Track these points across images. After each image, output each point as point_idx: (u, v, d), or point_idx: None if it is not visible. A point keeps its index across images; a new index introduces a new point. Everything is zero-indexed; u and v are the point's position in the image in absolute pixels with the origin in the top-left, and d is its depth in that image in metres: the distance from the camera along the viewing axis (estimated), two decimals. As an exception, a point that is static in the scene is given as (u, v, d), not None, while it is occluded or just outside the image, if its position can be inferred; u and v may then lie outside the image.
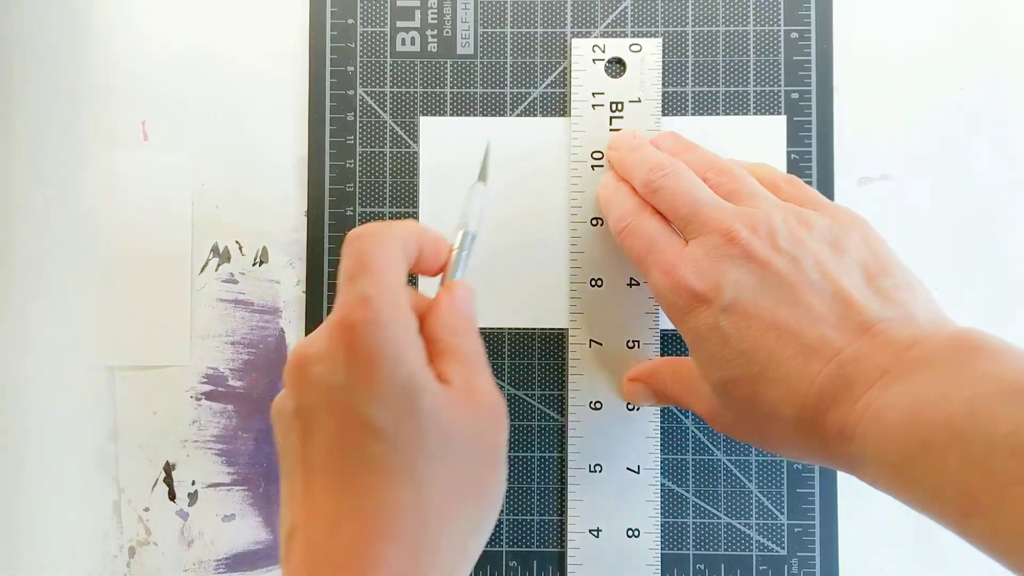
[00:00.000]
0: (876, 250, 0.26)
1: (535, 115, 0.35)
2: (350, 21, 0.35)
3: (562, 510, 0.34)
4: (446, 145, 0.35)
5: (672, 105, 0.34)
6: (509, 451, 0.34)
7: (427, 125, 0.35)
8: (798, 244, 0.26)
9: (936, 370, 0.21)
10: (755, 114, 0.34)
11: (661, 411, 0.34)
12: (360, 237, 0.24)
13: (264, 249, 0.35)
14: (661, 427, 0.33)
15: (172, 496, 0.35)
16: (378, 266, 0.23)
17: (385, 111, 0.35)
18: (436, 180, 0.35)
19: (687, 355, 0.31)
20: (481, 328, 0.34)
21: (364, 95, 0.35)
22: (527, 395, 0.34)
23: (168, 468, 0.35)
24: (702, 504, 0.34)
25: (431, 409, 0.22)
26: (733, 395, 0.26)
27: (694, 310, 0.26)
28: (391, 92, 0.35)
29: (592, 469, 0.33)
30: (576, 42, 0.34)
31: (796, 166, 0.34)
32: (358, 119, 0.35)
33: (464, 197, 0.29)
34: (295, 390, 0.23)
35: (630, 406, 0.33)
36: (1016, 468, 0.19)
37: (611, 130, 0.34)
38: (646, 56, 0.34)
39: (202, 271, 0.35)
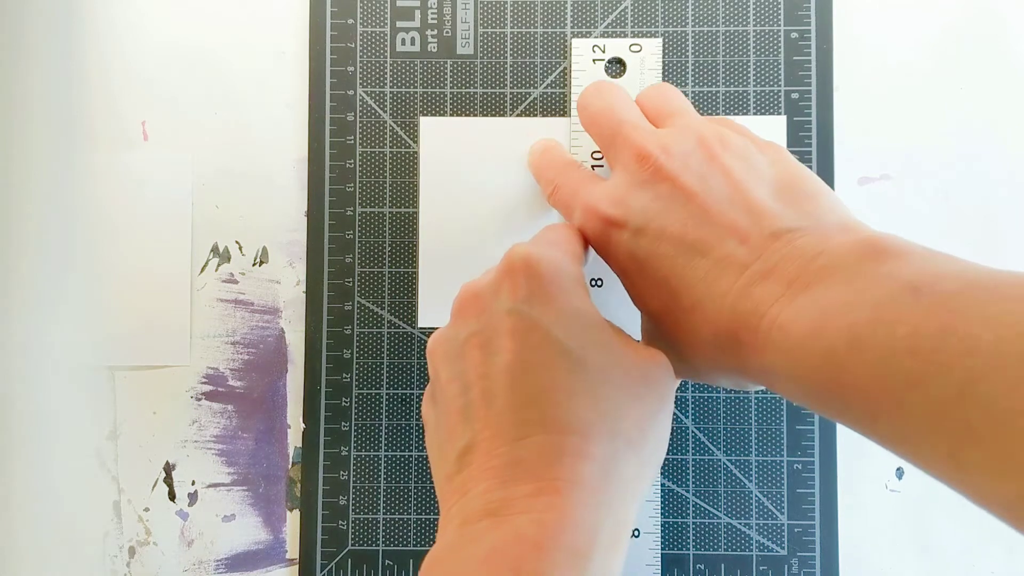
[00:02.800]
0: (789, 165, 0.25)
1: (535, 115, 0.35)
2: (350, 21, 0.35)
3: (562, 510, 0.34)
4: (446, 145, 0.35)
5: (672, 105, 0.34)
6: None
7: (427, 125, 0.35)
8: (710, 160, 0.25)
9: (841, 277, 0.21)
10: (755, 114, 0.34)
11: (661, 411, 0.34)
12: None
13: (264, 249, 0.35)
14: (661, 427, 0.33)
15: (172, 496, 0.35)
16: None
17: (385, 111, 0.35)
18: (436, 180, 0.35)
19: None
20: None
21: (364, 95, 0.35)
22: (527, 395, 0.34)
23: (168, 468, 0.35)
24: (702, 504, 0.34)
25: (609, 343, 0.23)
26: (662, 329, 0.26)
27: (612, 241, 0.26)
28: (391, 92, 0.35)
29: (592, 469, 0.33)
30: (576, 42, 0.34)
31: (796, 166, 0.34)
32: (358, 119, 0.35)
33: None
34: (471, 317, 0.24)
35: None
36: (916, 369, 0.18)
37: (611, 130, 0.34)
38: (646, 56, 0.34)
39: (202, 271, 0.35)
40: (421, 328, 0.34)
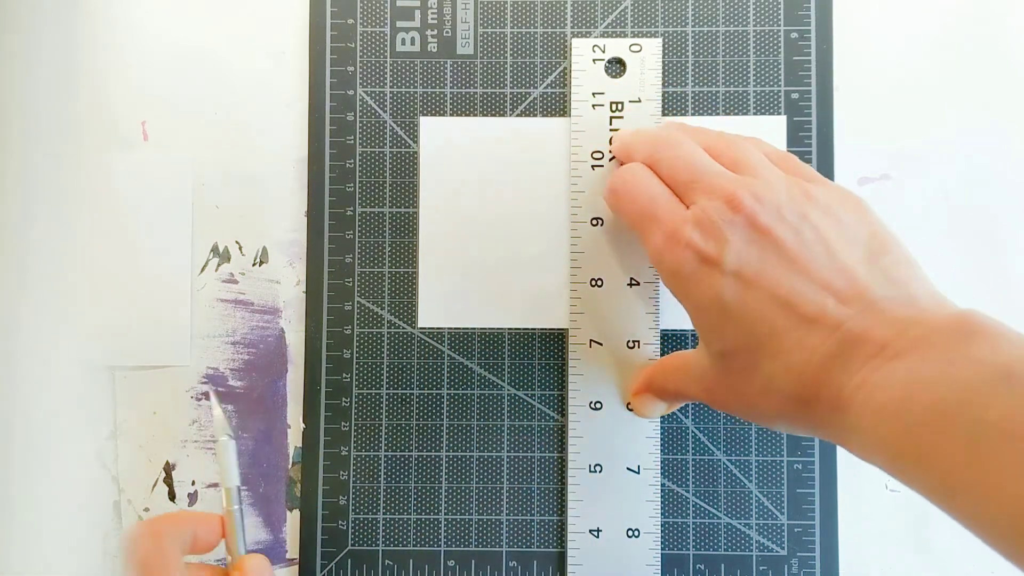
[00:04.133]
0: (875, 227, 0.26)
1: (535, 115, 0.35)
2: (350, 21, 0.35)
3: (562, 510, 0.34)
4: (446, 145, 0.35)
5: (672, 105, 0.34)
6: (508, 451, 0.34)
7: (427, 125, 0.35)
8: (802, 217, 0.25)
9: (934, 350, 0.21)
10: (755, 114, 0.34)
11: (661, 411, 0.34)
12: (136, 542, 0.26)
13: (264, 249, 0.35)
14: (661, 427, 0.33)
15: (172, 496, 0.35)
16: (159, 571, 0.25)
17: (385, 111, 0.35)
18: (436, 180, 0.35)
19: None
20: (481, 328, 0.34)
21: (364, 95, 0.35)
22: (527, 395, 0.34)
23: (168, 468, 0.35)
24: (702, 504, 0.34)
25: None
26: (732, 366, 0.26)
27: (696, 275, 0.26)
28: (391, 92, 0.35)
29: (592, 469, 0.33)
30: (576, 42, 0.34)
31: (796, 166, 0.34)
32: (358, 119, 0.35)
33: (216, 457, 0.30)
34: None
35: (630, 406, 0.33)
36: (1005, 452, 0.19)
37: (611, 130, 0.34)
38: (646, 56, 0.34)
39: (202, 271, 0.35)
40: (421, 328, 0.34)
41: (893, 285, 0.24)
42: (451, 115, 0.35)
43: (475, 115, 0.35)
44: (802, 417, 0.25)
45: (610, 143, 0.33)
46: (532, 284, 0.34)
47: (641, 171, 0.29)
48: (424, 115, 0.35)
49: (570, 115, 0.34)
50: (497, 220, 0.34)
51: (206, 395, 0.35)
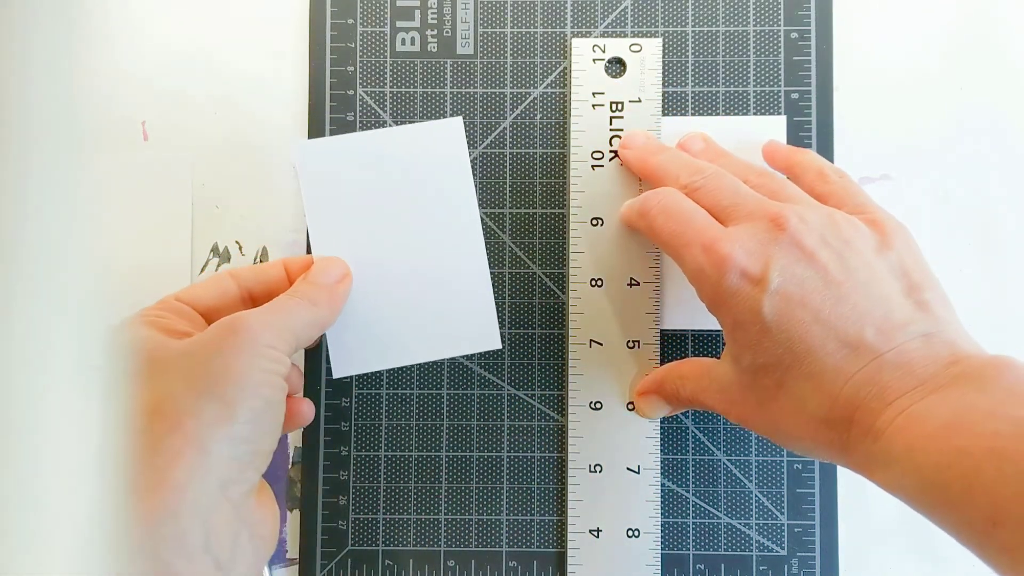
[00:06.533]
0: (917, 260, 0.26)
1: (535, 115, 0.35)
2: (350, 21, 0.35)
3: (562, 510, 0.34)
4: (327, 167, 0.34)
5: (672, 105, 0.34)
6: (508, 451, 0.34)
7: (305, 149, 0.33)
8: (846, 243, 0.26)
9: (980, 387, 0.22)
10: (755, 114, 0.34)
11: (661, 411, 0.34)
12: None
13: (264, 249, 0.35)
14: (661, 427, 0.33)
15: (172, 496, 0.35)
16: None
17: (385, 111, 0.35)
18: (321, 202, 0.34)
19: (687, 356, 0.31)
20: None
21: (364, 95, 0.35)
22: (527, 395, 0.34)
23: (168, 468, 0.35)
24: (702, 504, 0.34)
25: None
26: (761, 381, 0.26)
27: (738, 291, 0.26)
28: (391, 92, 0.35)
29: (592, 469, 0.33)
30: (576, 42, 0.34)
31: (796, 166, 0.34)
32: (358, 119, 0.35)
33: None
34: None
35: (630, 406, 0.33)
36: None
37: (611, 130, 0.34)
38: (646, 56, 0.34)
39: (202, 271, 0.35)
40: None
41: (933, 322, 0.25)
42: (451, 115, 0.35)
43: (475, 115, 0.35)
44: (828, 441, 0.25)
45: (610, 144, 0.33)
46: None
47: (675, 192, 0.29)
48: (424, 115, 0.35)
49: (570, 115, 0.34)
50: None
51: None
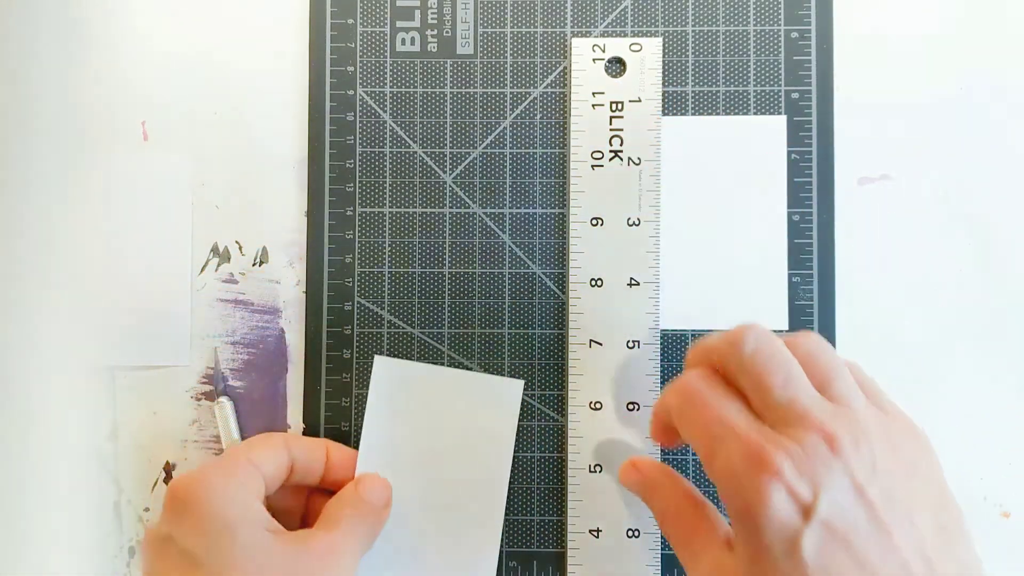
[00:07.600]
0: (940, 480, 0.24)
1: (535, 115, 0.35)
2: (350, 21, 0.35)
3: (562, 510, 0.34)
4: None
5: (672, 105, 0.34)
6: (509, 451, 0.34)
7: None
8: (889, 473, 0.23)
9: None
10: (755, 114, 0.34)
11: (661, 411, 0.34)
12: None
13: (264, 249, 0.35)
14: (661, 427, 0.33)
15: (172, 496, 0.35)
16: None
17: (385, 111, 0.35)
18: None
19: (687, 357, 0.30)
20: (482, 331, 0.34)
21: (364, 95, 0.35)
22: (527, 395, 0.34)
23: (168, 468, 0.35)
24: (702, 504, 0.34)
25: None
26: None
27: (778, 511, 0.22)
28: (391, 92, 0.35)
29: (592, 469, 0.33)
30: (576, 42, 0.34)
31: (796, 166, 0.34)
32: (358, 119, 0.35)
33: (216, 418, 0.34)
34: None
35: (630, 406, 0.33)
36: None
37: (611, 130, 0.34)
38: (646, 56, 0.34)
39: (202, 271, 0.35)
40: (421, 328, 0.34)
41: (963, 568, 0.23)
42: (451, 115, 0.35)
43: (475, 115, 0.35)
44: None
45: (610, 144, 0.34)
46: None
47: (704, 379, 0.26)
48: (424, 115, 0.35)
49: (570, 115, 0.34)
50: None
51: (206, 395, 0.35)
